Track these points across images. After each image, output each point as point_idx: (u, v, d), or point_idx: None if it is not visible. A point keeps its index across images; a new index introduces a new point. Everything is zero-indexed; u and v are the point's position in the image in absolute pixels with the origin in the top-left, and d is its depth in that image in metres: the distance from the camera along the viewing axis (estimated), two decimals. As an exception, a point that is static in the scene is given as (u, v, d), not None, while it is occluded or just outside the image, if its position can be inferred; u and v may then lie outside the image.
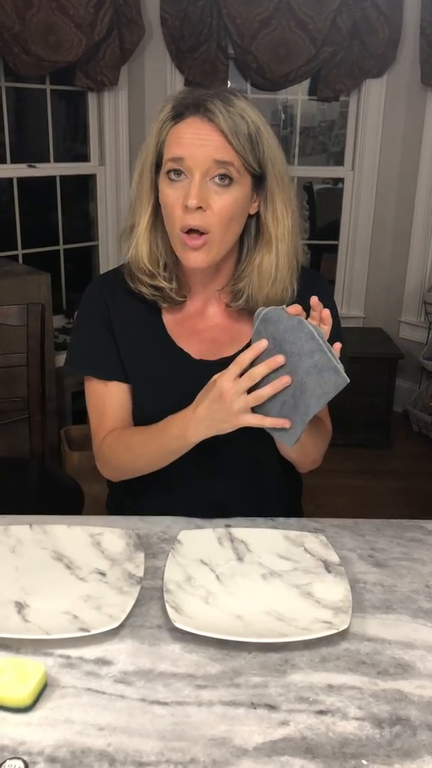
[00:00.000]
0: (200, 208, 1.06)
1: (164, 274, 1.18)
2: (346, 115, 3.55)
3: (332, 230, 3.80)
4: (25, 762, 0.56)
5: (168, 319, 1.23)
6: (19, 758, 0.56)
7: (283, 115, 4.83)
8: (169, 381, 1.22)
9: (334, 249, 3.73)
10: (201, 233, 1.08)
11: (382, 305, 3.68)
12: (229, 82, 3.37)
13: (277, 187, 1.13)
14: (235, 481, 1.27)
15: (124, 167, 3.45)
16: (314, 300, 1.03)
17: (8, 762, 0.56)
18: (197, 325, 1.23)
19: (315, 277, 1.28)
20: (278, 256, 1.15)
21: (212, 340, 1.23)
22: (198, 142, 1.05)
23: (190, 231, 1.09)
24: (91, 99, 3.34)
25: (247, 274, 1.17)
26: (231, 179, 1.07)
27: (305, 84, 3.55)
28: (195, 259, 1.11)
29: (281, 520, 1.21)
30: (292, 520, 1.21)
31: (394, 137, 3.43)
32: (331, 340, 1.27)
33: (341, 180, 3.65)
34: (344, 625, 0.92)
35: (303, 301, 1.20)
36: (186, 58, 3.26)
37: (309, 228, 5.08)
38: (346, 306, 3.72)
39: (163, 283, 1.18)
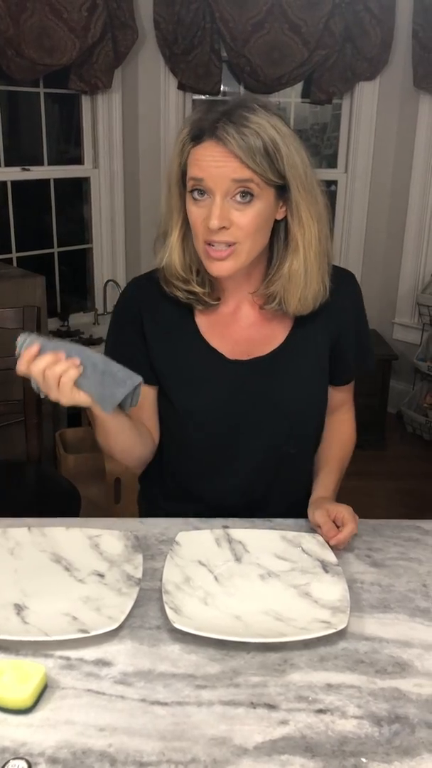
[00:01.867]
0: (223, 227, 1.08)
1: (197, 279, 1.20)
2: (339, 117, 3.56)
3: (326, 232, 3.81)
4: (28, 762, 0.57)
5: (201, 320, 1.25)
6: (22, 758, 0.57)
7: (276, 118, 4.83)
8: (203, 381, 1.24)
9: (327, 251, 3.74)
10: (228, 245, 1.10)
11: (376, 307, 3.69)
12: (222, 86, 3.38)
13: (300, 195, 1.13)
14: (261, 473, 1.28)
15: (118, 170, 3.46)
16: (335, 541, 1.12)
17: (12, 762, 0.56)
18: (231, 326, 1.25)
19: (348, 277, 1.30)
20: (307, 262, 1.17)
21: (246, 340, 1.24)
22: (214, 164, 1.07)
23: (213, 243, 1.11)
24: (85, 102, 3.35)
25: (278, 278, 1.18)
26: (252, 195, 1.08)
27: (298, 87, 3.57)
28: (219, 268, 1.13)
29: (278, 520, 1.22)
30: (289, 521, 1.21)
31: (387, 140, 3.44)
32: (357, 346, 1.33)
33: (334, 182, 3.66)
34: (342, 624, 0.92)
35: (335, 299, 1.22)
36: (179, 62, 3.27)
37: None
38: (340, 308, 3.73)
39: (197, 288, 1.20)
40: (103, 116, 3.35)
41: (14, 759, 0.57)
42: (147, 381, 1.24)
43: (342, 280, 1.25)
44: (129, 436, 1.19)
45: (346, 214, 3.61)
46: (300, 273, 1.17)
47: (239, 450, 1.26)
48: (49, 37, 2.91)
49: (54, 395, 1.03)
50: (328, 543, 1.11)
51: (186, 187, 1.13)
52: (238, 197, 1.08)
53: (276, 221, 1.15)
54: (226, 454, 1.26)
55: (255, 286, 1.23)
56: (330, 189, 3.86)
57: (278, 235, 1.18)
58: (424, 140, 3.33)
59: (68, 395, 1.02)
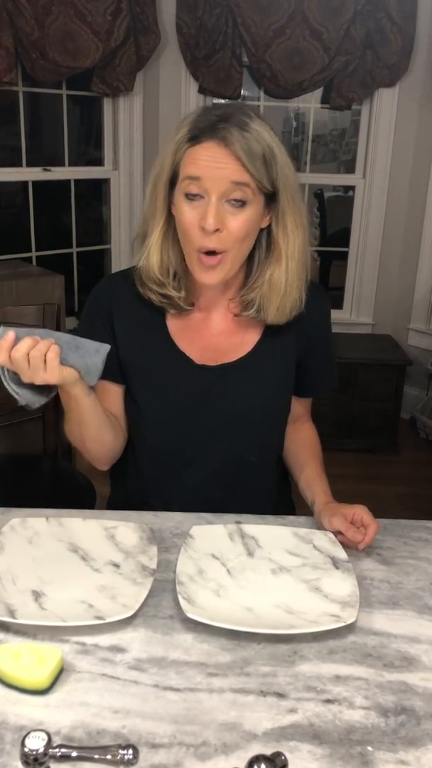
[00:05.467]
0: (217, 230, 1.09)
1: (173, 284, 1.20)
2: (358, 123, 3.58)
3: (342, 237, 3.83)
4: (48, 734, 0.59)
5: (172, 323, 1.25)
6: (42, 730, 0.60)
7: (294, 123, 4.86)
8: (169, 384, 1.25)
9: (344, 256, 3.77)
10: (216, 252, 1.11)
11: (391, 312, 3.70)
12: (242, 90, 3.41)
13: (288, 205, 1.15)
14: (220, 478, 1.30)
15: (137, 172, 3.49)
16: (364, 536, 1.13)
17: (32, 733, 0.59)
18: (201, 331, 1.26)
19: (320, 292, 1.30)
20: (288, 271, 1.18)
21: (215, 346, 1.25)
22: (215, 165, 1.07)
23: (208, 252, 1.11)
24: (107, 104, 3.39)
25: (258, 286, 1.19)
26: (245, 201, 1.09)
27: (318, 92, 3.59)
28: (209, 277, 1.14)
29: (291, 518, 1.24)
30: (302, 519, 1.24)
31: (405, 146, 3.46)
32: (322, 361, 1.33)
33: (352, 188, 3.68)
34: (351, 618, 0.94)
35: (306, 312, 1.23)
36: (201, 66, 3.30)
37: (319, 235, 5.11)
38: (356, 312, 3.75)
39: (173, 292, 1.20)
40: (124, 119, 3.39)
41: (35, 731, 0.60)
42: (115, 379, 1.26)
43: (313, 294, 1.24)
44: (102, 420, 1.20)
45: (363, 220, 3.62)
46: (281, 282, 1.18)
47: (200, 455, 1.27)
48: (73, 40, 2.95)
49: (41, 376, 1.03)
50: (356, 548, 1.12)
51: (175, 188, 1.13)
52: (231, 201, 1.09)
53: (260, 230, 1.17)
54: (186, 458, 1.28)
55: (233, 293, 1.24)
56: (347, 194, 3.87)
57: (260, 243, 1.19)
58: (442, 147, 3.34)
59: (57, 372, 1.04)
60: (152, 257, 1.19)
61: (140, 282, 1.22)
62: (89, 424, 1.19)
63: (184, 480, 1.29)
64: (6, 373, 1.07)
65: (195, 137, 1.09)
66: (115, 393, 1.29)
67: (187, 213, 1.11)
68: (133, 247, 1.25)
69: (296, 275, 1.19)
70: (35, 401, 1.09)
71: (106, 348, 1.08)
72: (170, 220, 1.17)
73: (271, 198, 1.14)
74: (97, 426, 1.21)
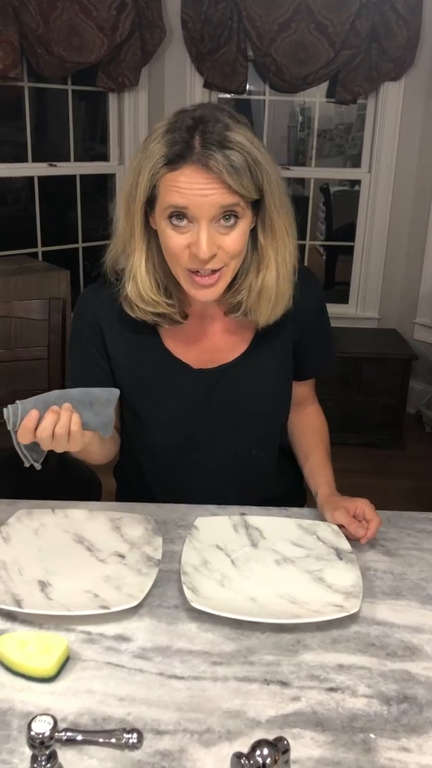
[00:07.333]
0: (213, 255, 1.05)
1: (166, 301, 1.16)
2: (364, 117, 3.57)
3: (348, 232, 3.83)
4: (54, 718, 0.60)
5: (165, 332, 1.23)
6: (48, 714, 0.61)
7: (300, 117, 4.86)
8: (170, 393, 1.24)
9: (349, 250, 3.76)
10: (213, 271, 1.07)
11: (397, 306, 3.70)
12: (247, 85, 3.41)
13: (276, 211, 1.10)
14: (231, 475, 1.30)
15: (143, 167, 3.49)
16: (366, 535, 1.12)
17: (39, 717, 0.60)
18: (195, 335, 1.23)
19: (309, 278, 1.25)
20: (279, 278, 1.14)
21: (211, 348, 1.24)
22: (200, 192, 1.01)
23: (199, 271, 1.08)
24: (112, 99, 3.39)
25: (244, 288, 1.15)
26: (237, 217, 1.05)
27: (323, 86, 3.58)
28: (206, 294, 1.10)
29: (295, 510, 1.24)
30: (305, 510, 1.24)
31: (411, 140, 3.45)
32: (318, 342, 1.31)
33: (358, 182, 3.68)
34: (355, 608, 0.95)
35: (298, 300, 1.19)
36: (206, 60, 3.30)
37: (325, 230, 5.11)
38: (361, 307, 3.75)
39: (167, 309, 1.16)
40: (129, 114, 3.39)
41: (41, 715, 0.61)
42: None
43: (303, 280, 1.20)
44: (103, 445, 1.23)
45: (368, 214, 3.62)
46: (272, 288, 1.14)
47: (209, 456, 1.27)
48: (78, 36, 2.96)
49: (63, 448, 1.02)
50: (359, 541, 1.12)
51: (154, 208, 1.07)
52: (222, 221, 1.04)
53: None
54: (196, 461, 1.28)
55: (222, 296, 1.19)
56: (353, 189, 3.87)
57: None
58: (448, 141, 3.33)
59: (80, 442, 1.02)
60: (142, 280, 1.13)
61: (130, 306, 1.17)
62: (93, 452, 1.22)
63: (195, 483, 1.29)
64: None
65: (172, 161, 1.01)
66: None
67: (174, 238, 1.05)
68: (106, 269, 1.20)
69: (287, 280, 1.15)
70: (40, 458, 1.07)
71: (115, 394, 1.05)
72: (148, 234, 1.12)
73: (255, 203, 1.08)
74: (99, 452, 1.23)
